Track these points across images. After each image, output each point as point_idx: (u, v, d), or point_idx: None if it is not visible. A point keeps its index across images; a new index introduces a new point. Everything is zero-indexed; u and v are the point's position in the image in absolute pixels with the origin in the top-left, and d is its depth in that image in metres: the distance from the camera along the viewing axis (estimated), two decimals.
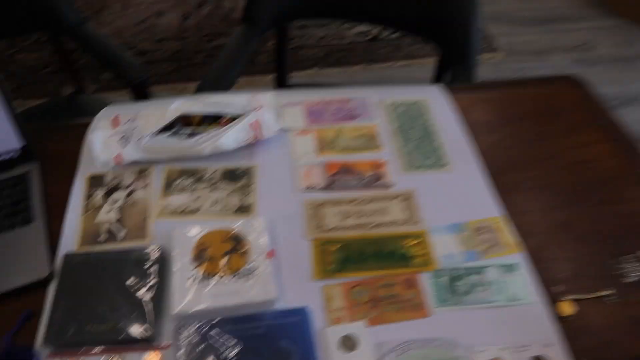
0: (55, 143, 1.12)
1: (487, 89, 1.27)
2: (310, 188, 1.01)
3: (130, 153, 1.01)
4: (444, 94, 1.22)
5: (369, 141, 1.10)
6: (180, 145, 1.02)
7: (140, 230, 0.96)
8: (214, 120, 1.08)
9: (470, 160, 1.07)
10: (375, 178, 1.03)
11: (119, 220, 0.97)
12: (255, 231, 0.91)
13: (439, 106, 1.19)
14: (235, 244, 0.89)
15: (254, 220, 0.93)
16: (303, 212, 0.97)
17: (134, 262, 0.87)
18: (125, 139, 1.02)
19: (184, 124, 1.07)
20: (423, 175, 1.04)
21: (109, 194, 1.02)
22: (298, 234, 0.94)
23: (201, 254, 0.88)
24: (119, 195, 1.01)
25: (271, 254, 0.88)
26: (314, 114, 1.15)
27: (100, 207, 1.00)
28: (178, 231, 0.92)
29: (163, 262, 0.89)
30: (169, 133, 1.04)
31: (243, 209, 0.98)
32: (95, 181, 1.04)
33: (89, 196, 1.01)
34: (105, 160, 1.01)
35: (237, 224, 0.92)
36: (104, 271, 0.86)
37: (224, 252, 0.88)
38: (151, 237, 0.95)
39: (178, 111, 1.04)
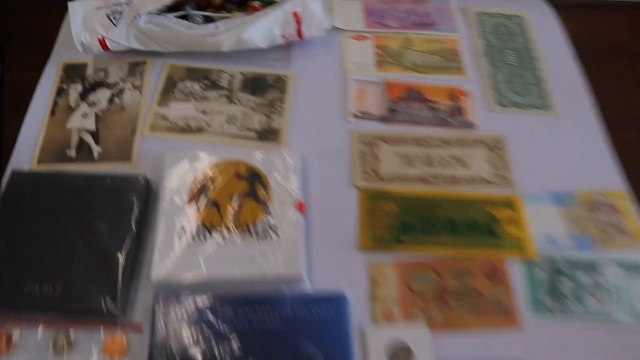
0: (27, 17, 0.84)
1: (614, 11, 0.94)
2: (363, 115, 0.73)
3: (121, 36, 0.73)
4: (551, 12, 0.90)
5: (448, 60, 0.80)
6: (190, 32, 0.73)
7: (123, 148, 0.69)
8: (241, 3, 0.78)
9: (585, 105, 0.77)
10: (453, 112, 0.74)
11: (96, 131, 0.71)
12: (283, 168, 0.64)
13: (543, 26, 0.87)
14: (253, 185, 0.63)
15: (283, 152, 0.65)
16: (350, 148, 0.70)
17: (107, 194, 0.61)
18: (116, 15, 0.73)
19: (200, 3, 0.77)
20: (518, 116, 0.75)
21: (88, 91, 0.74)
22: (341, 179, 0.67)
23: (202, 193, 0.62)
24: (102, 95, 0.74)
25: (302, 206, 0.61)
26: (376, 14, 0.85)
27: (74, 108, 0.73)
28: (174, 155, 0.65)
29: (147, 199, 0.63)
30: (176, 14, 0.75)
31: (268, 134, 0.70)
32: (73, 72, 0.76)
33: (61, 91, 0.74)
34: (86, 42, 0.73)
35: (257, 155, 0.65)
36: (64, 204, 0.60)
37: (236, 195, 0.62)
38: (137, 159, 0.68)
39: None
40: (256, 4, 0.76)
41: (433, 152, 0.69)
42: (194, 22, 0.75)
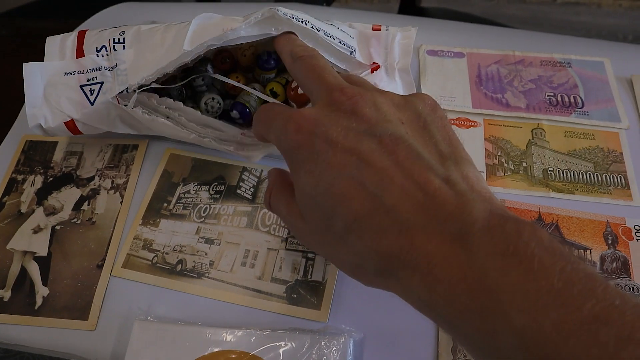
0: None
1: None
2: None
3: (100, 118, 0.48)
4: None
5: (604, 169, 0.50)
6: (202, 133, 0.47)
7: (80, 295, 0.44)
8: (281, 69, 0.51)
9: None
10: (612, 269, 0.45)
11: (48, 258, 0.46)
12: None
13: None
14: None
15: (321, 342, 0.39)
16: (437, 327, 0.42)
17: None
18: (93, 88, 0.48)
19: (220, 66, 0.51)
20: None
21: (49, 189, 0.50)
22: None
23: None
24: (67, 196, 0.50)
25: None
26: (490, 84, 0.56)
27: (25, 215, 0.49)
28: (144, 330, 0.40)
29: None
30: (181, 83, 0.49)
31: (304, 292, 0.43)
32: (35, 154, 0.53)
33: (13, 185, 0.51)
34: (47, 126, 0.48)
35: (282, 346, 0.39)
36: None
37: None
38: (96, 318, 0.43)
39: (215, 35, 0.45)
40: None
41: None
42: (207, 107, 0.49)
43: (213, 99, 0.48)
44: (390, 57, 0.47)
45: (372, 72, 0.45)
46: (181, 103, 0.46)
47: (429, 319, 0.25)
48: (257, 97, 0.48)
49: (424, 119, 0.29)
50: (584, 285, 0.20)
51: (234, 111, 0.48)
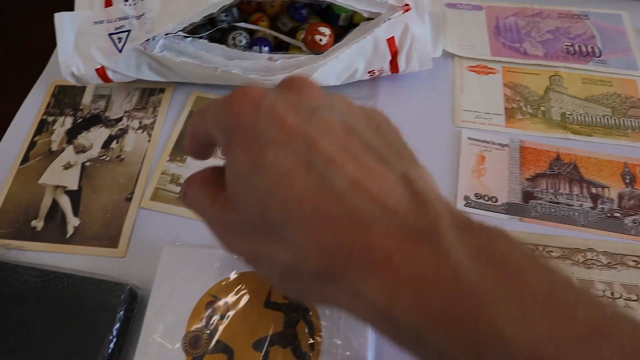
0: (17, 21, 0.63)
1: None
2: (481, 201, 0.46)
3: (129, 66, 0.49)
4: None
5: (621, 113, 0.51)
6: (230, 66, 0.48)
7: (110, 225, 0.46)
8: (304, 16, 0.53)
9: None
10: (631, 206, 0.45)
11: (78, 192, 0.48)
12: None
13: None
14: (291, 322, 0.38)
15: None
16: None
17: (70, 309, 0.38)
18: (121, 36, 0.49)
19: (245, 8, 0.52)
20: None
21: (78, 129, 0.52)
22: None
23: (208, 330, 0.37)
24: (96, 135, 0.51)
25: None
26: (508, 35, 0.57)
27: (56, 153, 0.50)
28: (173, 253, 0.41)
29: (131, 322, 0.40)
30: (208, 32, 0.50)
31: None
32: (65, 98, 0.54)
33: (44, 126, 0.52)
34: (79, 73, 0.49)
35: None
36: (3, 317, 0.38)
37: (262, 338, 0.37)
38: (125, 245, 0.45)
39: None
40: (321, 36, 0.48)
41: (599, 275, 0.41)
42: (235, 42, 0.50)
43: (240, 33, 0.49)
44: (421, 0, 0.48)
45: (403, 12, 0.46)
46: (207, 40, 0.48)
47: (383, 337, 0.21)
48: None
49: (377, 122, 0.25)
50: (568, 292, 0.18)
51: (254, 47, 0.49)
